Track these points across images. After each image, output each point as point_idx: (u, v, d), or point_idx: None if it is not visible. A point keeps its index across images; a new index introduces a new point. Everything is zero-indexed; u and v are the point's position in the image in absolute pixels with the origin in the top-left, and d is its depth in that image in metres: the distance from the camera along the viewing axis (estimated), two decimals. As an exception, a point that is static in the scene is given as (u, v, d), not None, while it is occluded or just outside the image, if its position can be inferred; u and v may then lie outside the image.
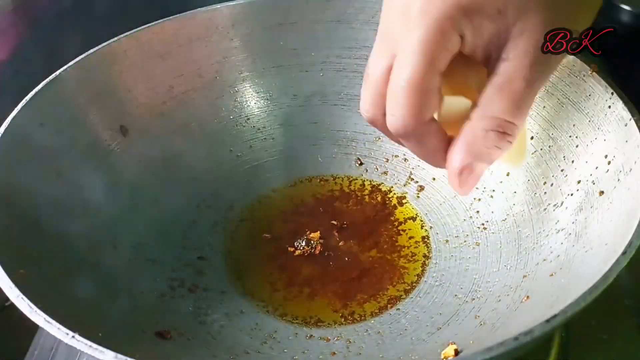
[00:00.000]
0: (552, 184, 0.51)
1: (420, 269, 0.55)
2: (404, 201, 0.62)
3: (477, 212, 0.57)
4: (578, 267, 0.42)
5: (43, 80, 0.53)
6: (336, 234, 0.58)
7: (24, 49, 0.75)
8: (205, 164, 0.62)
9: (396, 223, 0.59)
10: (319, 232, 0.58)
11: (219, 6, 0.63)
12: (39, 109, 0.51)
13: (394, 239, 0.58)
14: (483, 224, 0.56)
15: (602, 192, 0.45)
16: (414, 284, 0.54)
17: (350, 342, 0.49)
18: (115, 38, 0.59)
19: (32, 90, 0.52)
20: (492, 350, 0.32)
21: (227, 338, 0.49)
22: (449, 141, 0.40)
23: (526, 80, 0.37)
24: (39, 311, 0.37)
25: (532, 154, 0.54)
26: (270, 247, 0.58)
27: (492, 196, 0.57)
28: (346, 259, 0.56)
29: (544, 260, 0.47)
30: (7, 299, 0.38)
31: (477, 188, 0.58)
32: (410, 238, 0.58)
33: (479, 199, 0.58)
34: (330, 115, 0.66)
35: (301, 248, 0.57)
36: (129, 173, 0.57)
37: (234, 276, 0.55)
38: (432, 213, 0.60)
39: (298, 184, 0.64)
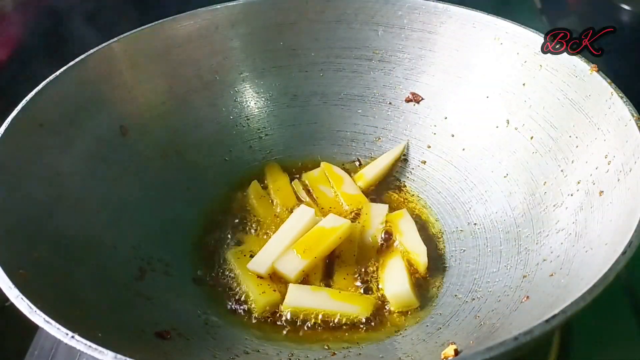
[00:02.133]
0: (552, 184, 0.51)
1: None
2: (403, 202, 0.62)
3: (477, 212, 0.57)
4: (578, 267, 0.42)
5: (43, 80, 0.53)
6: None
7: (24, 49, 0.76)
8: (205, 164, 0.62)
9: (396, 223, 0.59)
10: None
11: (219, 6, 0.63)
12: (39, 109, 0.51)
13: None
14: (483, 224, 0.56)
15: (602, 192, 0.45)
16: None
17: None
18: (115, 38, 0.59)
19: (32, 90, 0.52)
20: (492, 350, 0.32)
21: (227, 338, 0.49)
22: None
23: None
24: (38, 311, 0.37)
25: (533, 154, 0.54)
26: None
27: (491, 196, 0.57)
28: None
29: (544, 260, 0.47)
30: (7, 299, 0.38)
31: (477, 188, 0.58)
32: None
33: (479, 200, 0.58)
34: (330, 115, 0.66)
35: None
36: (129, 173, 0.57)
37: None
38: (431, 213, 0.60)
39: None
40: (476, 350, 0.33)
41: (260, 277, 0.53)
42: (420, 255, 0.54)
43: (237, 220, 0.60)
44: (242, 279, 0.54)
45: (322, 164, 0.65)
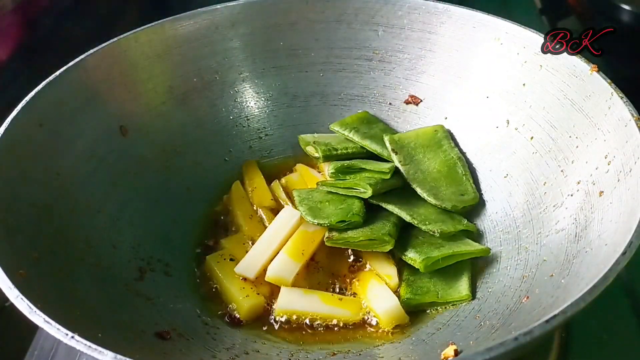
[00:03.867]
0: (552, 184, 0.51)
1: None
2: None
3: (477, 213, 0.57)
4: (578, 267, 0.42)
5: (43, 80, 0.53)
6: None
7: (24, 49, 0.76)
8: (205, 164, 0.62)
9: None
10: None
11: (219, 6, 0.63)
12: (39, 109, 0.51)
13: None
14: (482, 225, 0.56)
15: (602, 193, 0.45)
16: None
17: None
18: (115, 38, 0.59)
19: (32, 90, 0.52)
20: (492, 350, 0.32)
21: (226, 338, 0.49)
22: None
23: None
24: (38, 312, 0.37)
25: (533, 154, 0.54)
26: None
27: (491, 196, 0.57)
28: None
29: (544, 260, 0.47)
30: (7, 299, 0.38)
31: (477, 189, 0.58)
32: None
33: (479, 200, 0.58)
34: (330, 115, 0.66)
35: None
36: (129, 173, 0.57)
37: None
38: (432, 213, 0.60)
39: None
40: (476, 350, 0.33)
41: (243, 279, 0.53)
42: (392, 278, 0.53)
43: (218, 223, 0.60)
44: (224, 283, 0.53)
45: (298, 165, 0.64)
